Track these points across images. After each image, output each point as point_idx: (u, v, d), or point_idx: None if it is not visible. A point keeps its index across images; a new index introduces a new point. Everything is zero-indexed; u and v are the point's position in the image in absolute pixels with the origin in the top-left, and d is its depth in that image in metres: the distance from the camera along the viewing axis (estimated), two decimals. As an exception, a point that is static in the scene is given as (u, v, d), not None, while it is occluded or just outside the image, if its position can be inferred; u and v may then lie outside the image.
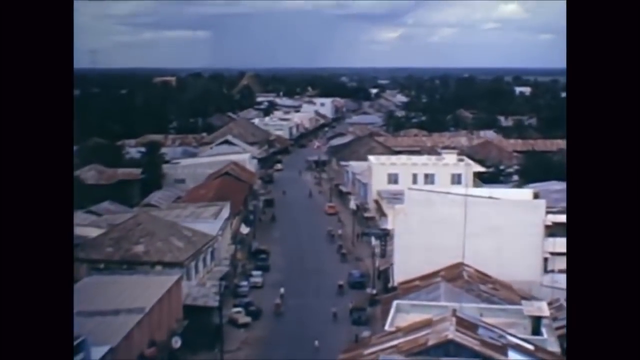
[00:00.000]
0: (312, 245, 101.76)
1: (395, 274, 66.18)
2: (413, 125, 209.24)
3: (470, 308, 49.31)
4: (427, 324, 46.26)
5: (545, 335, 43.93)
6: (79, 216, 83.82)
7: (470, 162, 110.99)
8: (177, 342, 61.38)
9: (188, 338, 62.72)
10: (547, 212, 64.84)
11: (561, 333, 44.54)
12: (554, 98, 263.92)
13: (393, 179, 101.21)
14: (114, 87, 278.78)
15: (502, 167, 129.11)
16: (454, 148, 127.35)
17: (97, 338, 46.51)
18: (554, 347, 42.57)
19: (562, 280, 54.83)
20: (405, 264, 63.58)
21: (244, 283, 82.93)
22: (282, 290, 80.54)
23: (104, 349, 47.88)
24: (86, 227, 78.36)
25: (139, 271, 65.36)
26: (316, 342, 64.10)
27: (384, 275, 76.69)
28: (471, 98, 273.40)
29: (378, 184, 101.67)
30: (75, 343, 42.93)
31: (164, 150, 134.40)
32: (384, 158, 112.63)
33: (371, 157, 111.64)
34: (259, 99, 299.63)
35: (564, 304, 53.29)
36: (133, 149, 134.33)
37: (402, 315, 51.08)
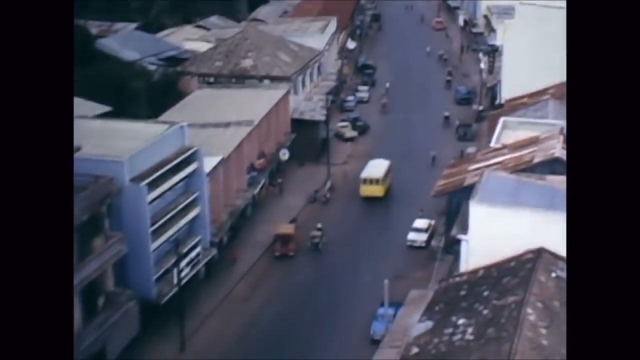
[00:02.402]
0: (419, 61, 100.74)
1: (502, 91, 65.53)
2: None
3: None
4: (534, 141, 46.24)
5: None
6: (188, 30, 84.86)
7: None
8: (284, 155, 63.17)
9: (295, 151, 64.37)
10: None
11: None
12: None
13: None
14: None
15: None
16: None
17: (209, 149, 48.18)
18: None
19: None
20: (513, 81, 62.75)
21: (350, 98, 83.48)
22: (387, 85, 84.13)
23: (216, 159, 49.76)
24: (195, 41, 79.47)
25: (247, 85, 66.55)
26: (432, 153, 65.72)
27: (491, 92, 75.93)
28: None
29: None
30: (188, 153, 44.74)
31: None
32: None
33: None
34: None
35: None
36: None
37: (509, 132, 51.06)
